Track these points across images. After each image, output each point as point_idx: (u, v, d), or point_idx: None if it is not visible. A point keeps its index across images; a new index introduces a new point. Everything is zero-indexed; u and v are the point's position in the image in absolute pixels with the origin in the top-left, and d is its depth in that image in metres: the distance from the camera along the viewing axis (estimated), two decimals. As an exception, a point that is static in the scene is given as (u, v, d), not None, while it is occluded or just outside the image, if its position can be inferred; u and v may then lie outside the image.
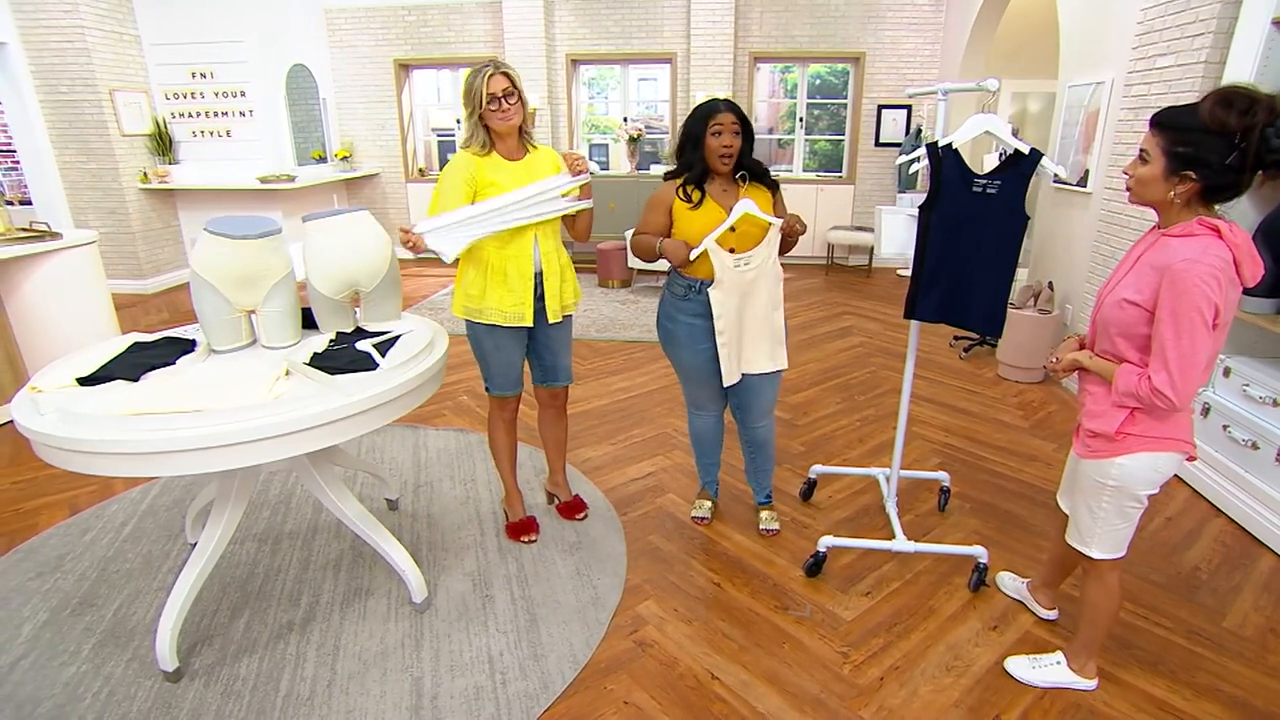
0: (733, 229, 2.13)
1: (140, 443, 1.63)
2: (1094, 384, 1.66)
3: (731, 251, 2.17)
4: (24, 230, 3.47)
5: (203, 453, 1.67)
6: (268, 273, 2.14)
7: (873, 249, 7.14)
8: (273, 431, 1.72)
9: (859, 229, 7.16)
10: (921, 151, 1.96)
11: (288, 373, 1.96)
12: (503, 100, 2.11)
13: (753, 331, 2.27)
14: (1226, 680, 1.91)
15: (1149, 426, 1.56)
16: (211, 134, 6.57)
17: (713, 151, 2.13)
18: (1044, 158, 1.79)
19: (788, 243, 2.24)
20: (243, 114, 6.49)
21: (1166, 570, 2.37)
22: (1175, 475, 2.98)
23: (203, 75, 6.37)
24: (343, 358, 2.02)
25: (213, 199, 6.56)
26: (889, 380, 4.12)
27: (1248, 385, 2.67)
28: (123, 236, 6.15)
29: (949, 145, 1.91)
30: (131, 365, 1.96)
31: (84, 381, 1.87)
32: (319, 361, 1.97)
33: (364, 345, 2.11)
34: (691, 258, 2.13)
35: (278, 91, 6.62)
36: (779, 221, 2.16)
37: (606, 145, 7.55)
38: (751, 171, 2.21)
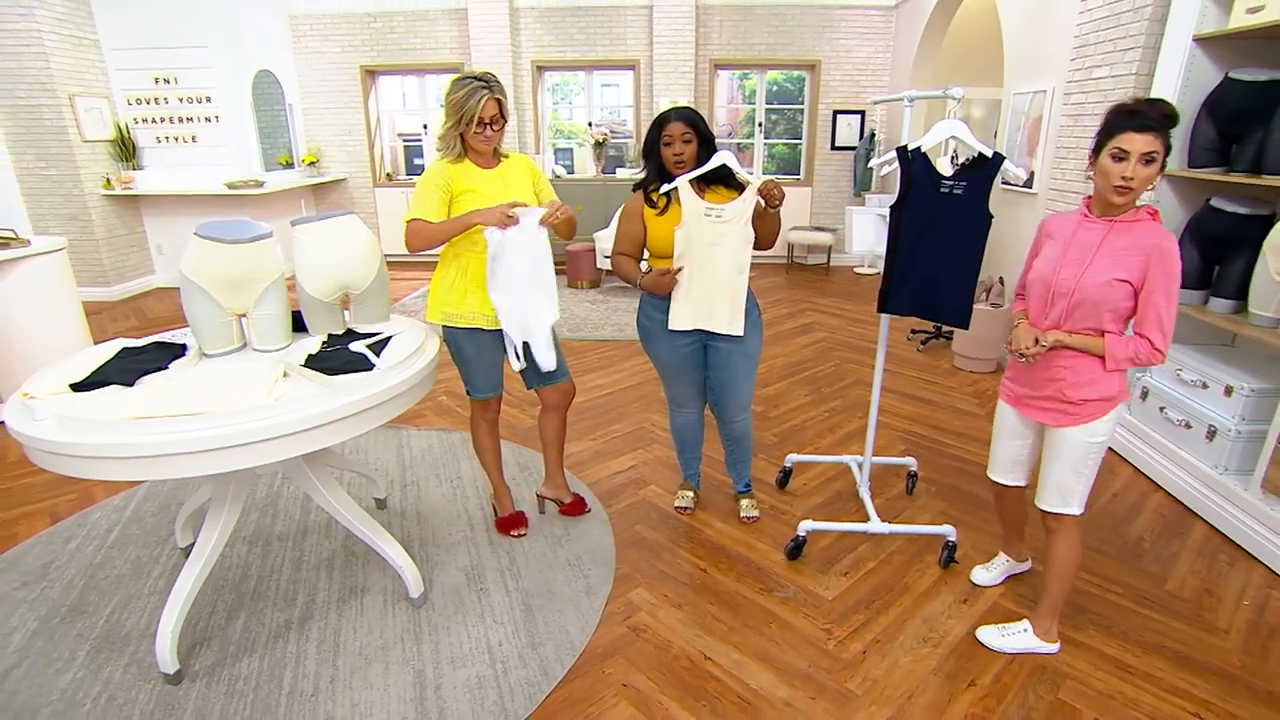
0: (706, 184, 2.22)
1: (143, 446, 1.64)
2: (1071, 359, 1.80)
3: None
4: (-13, 237, 3.38)
5: (206, 455, 1.69)
6: (259, 276, 2.16)
7: (830, 248, 7.39)
8: (275, 432, 1.75)
9: (818, 229, 7.39)
10: (892, 155, 2.11)
11: (285, 374, 1.99)
12: (489, 126, 2.13)
13: (712, 286, 2.26)
14: (1170, 638, 2.10)
15: (1121, 385, 1.81)
16: (176, 139, 6.46)
17: (667, 160, 2.23)
18: (1006, 161, 1.95)
19: (772, 219, 2.23)
20: (208, 119, 6.39)
21: (1114, 542, 2.57)
22: (1119, 455, 3.23)
23: (166, 80, 6.26)
24: (338, 359, 2.05)
25: (179, 205, 6.43)
26: (853, 373, 4.31)
27: (1180, 370, 2.91)
28: (86, 244, 6.00)
29: (918, 149, 2.06)
30: (124, 370, 1.96)
31: (77, 387, 1.86)
32: (315, 363, 2.01)
33: (357, 346, 2.15)
34: (663, 190, 2.21)
35: (243, 97, 6.54)
36: (757, 181, 2.14)
37: (570, 150, 7.62)
38: (715, 176, 2.24)
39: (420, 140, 7.87)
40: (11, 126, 5.76)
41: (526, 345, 2.29)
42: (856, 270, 7.44)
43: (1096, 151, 1.70)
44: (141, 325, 5.49)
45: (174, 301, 6.28)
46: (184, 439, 1.66)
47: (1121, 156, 1.63)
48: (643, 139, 2.36)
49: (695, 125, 2.20)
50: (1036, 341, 1.80)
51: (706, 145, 2.22)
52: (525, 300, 2.20)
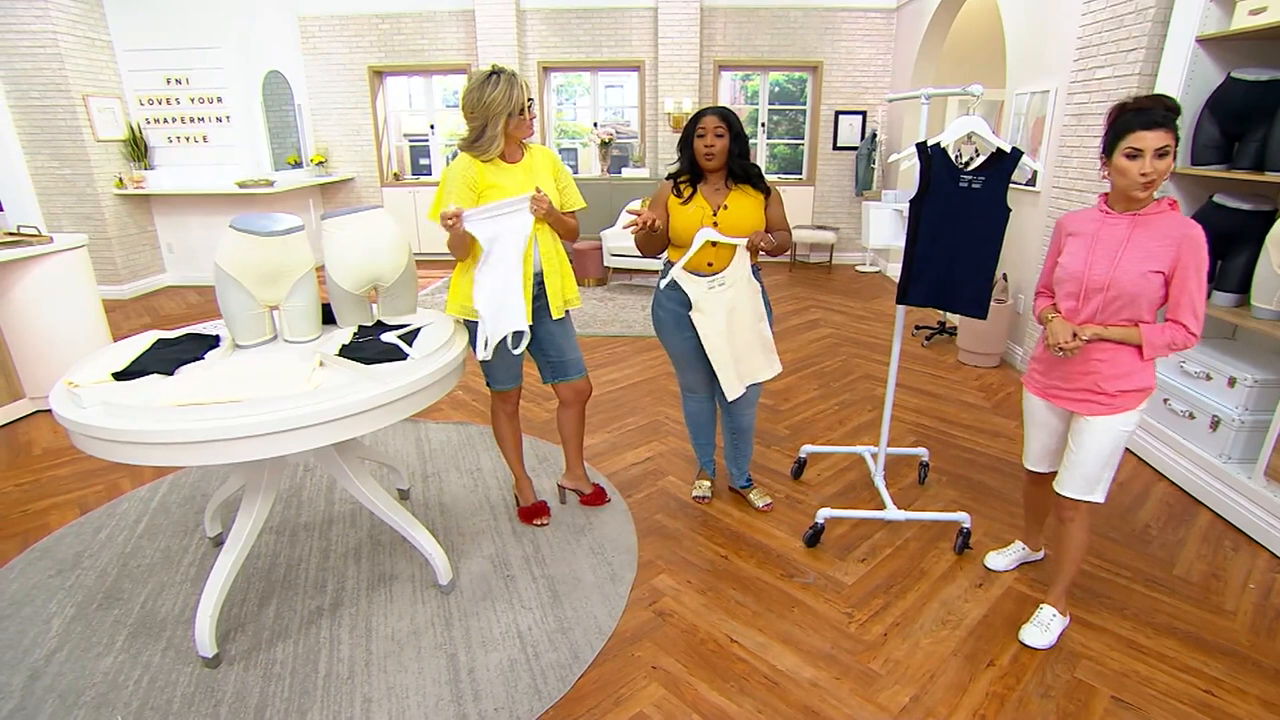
0: (713, 243, 2.30)
1: (188, 432, 1.69)
2: (1108, 351, 1.83)
3: (710, 266, 2.35)
4: (11, 235, 3.40)
5: (249, 440, 1.73)
6: (291, 269, 2.20)
7: (833, 246, 7.47)
8: (315, 419, 1.79)
9: (820, 228, 7.48)
10: (912, 150, 2.17)
11: (321, 363, 2.03)
12: (527, 110, 2.19)
13: (744, 345, 2.43)
14: (1180, 619, 2.16)
15: (1153, 375, 1.85)
16: (187, 139, 6.53)
17: (698, 152, 2.30)
18: (1024, 156, 2.01)
19: (777, 250, 2.38)
20: (219, 119, 6.46)
21: (1123, 529, 2.64)
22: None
23: (178, 81, 6.33)
24: (371, 349, 2.10)
25: (189, 204, 6.50)
26: (860, 368, 4.37)
27: (1184, 362, 2.98)
28: (99, 242, 6.06)
29: (937, 144, 2.12)
30: (163, 360, 2.00)
31: (119, 376, 1.90)
32: (349, 353, 2.05)
33: (389, 337, 2.19)
34: (661, 286, 2.40)
35: (253, 97, 6.61)
36: (743, 241, 2.30)
37: (575, 150, 7.68)
38: (744, 174, 2.34)
39: (426, 141, 7.92)
40: (26, 126, 5.83)
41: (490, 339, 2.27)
42: (858, 268, 7.52)
43: (1109, 152, 1.74)
44: (155, 323, 5.52)
45: (185, 300, 6.31)
46: (227, 425, 1.70)
47: (1136, 154, 1.67)
48: (645, 138, 2.45)
49: (729, 121, 2.27)
50: (1074, 336, 1.81)
51: (739, 142, 2.29)
52: (503, 296, 2.22)
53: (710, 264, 2.36)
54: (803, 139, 7.85)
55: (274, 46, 6.94)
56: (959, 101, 8.07)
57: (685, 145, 2.33)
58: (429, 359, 2.07)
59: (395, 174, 7.96)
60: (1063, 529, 2.03)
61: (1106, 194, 1.84)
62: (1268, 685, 1.91)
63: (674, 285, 2.40)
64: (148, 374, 1.92)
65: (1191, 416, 2.90)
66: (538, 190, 2.20)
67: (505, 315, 2.22)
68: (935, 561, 2.43)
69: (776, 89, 8.18)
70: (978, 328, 4.33)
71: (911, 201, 2.19)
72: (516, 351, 2.29)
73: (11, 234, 3.38)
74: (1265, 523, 2.52)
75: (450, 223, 2.08)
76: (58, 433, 3.44)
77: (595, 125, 7.56)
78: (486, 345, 2.23)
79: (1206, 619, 2.16)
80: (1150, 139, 1.65)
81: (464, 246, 2.20)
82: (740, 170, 2.32)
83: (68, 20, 5.68)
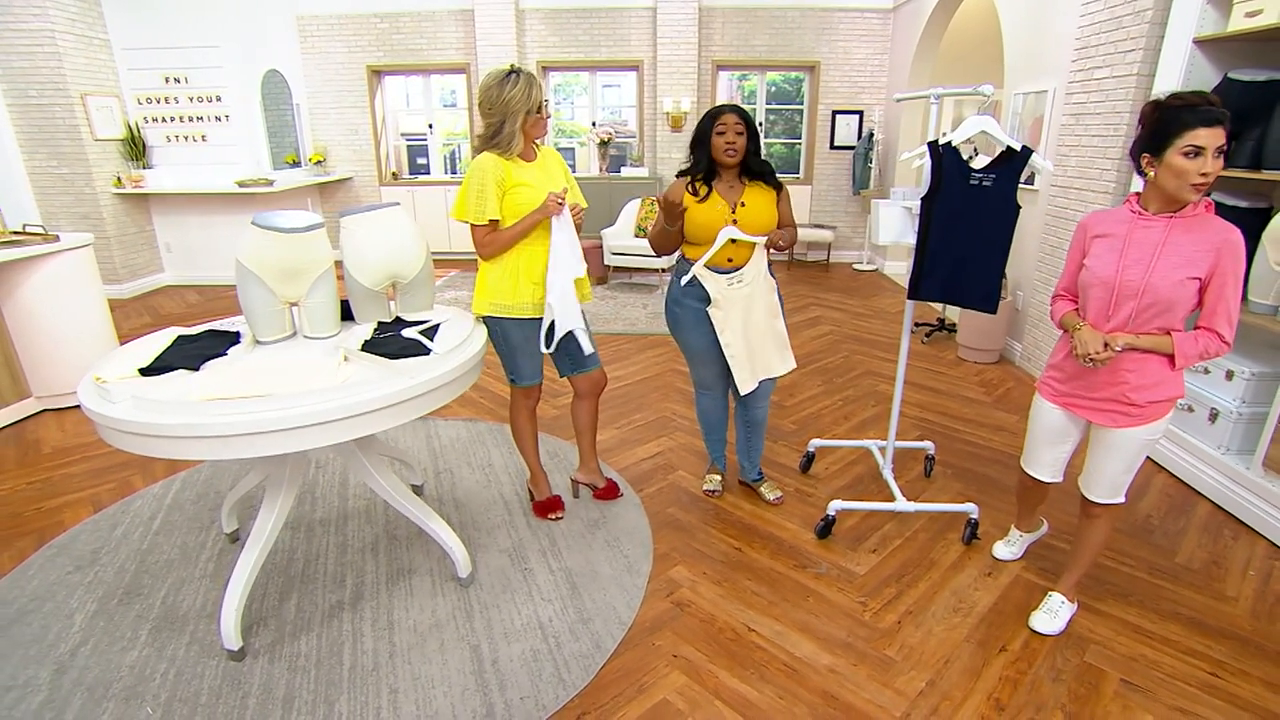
0: (733, 240, 2.35)
1: (218, 426, 1.70)
2: (1137, 361, 1.78)
3: (730, 261, 2.40)
4: (16, 233, 3.39)
5: (278, 434, 1.75)
6: (312, 265, 2.21)
7: (830, 245, 7.54)
8: (343, 413, 1.80)
9: (817, 226, 7.55)
10: (923, 149, 2.22)
11: (345, 358, 2.06)
12: (543, 109, 2.24)
13: (759, 340, 2.49)
14: (1183, 605, 2.22)
15: (1183, 383, 1.82)
16: (186, 138, 6.51)
17: (718, 149, 2.33)
18: (1034, 154, 2.06)
19: (787, 246, 2.46)
20: (218, 119, 6.45)
21: (1125, 519, 2.70)
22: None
23: (176, 80, 6.32)
24: (394, 344, 2.12)
25: (187, 204, 6.48)
26: (862, 364, 4.43)
27: (1183, 357, 3.05)
28: (98, 242, 5.97)
29: (949, 143, 2.16)
30: (187, 356, 2.02)
31: (146, 372, 1.92)
32: (371, 348, 2.07)
33: (410, 333, 2.22)
34: (682, 283, 2.45)
35: (252, 97, 6.60)
36: (763, 239, 2.36)
37: (573, 149, 7.71)
38: (756, 172, 2.39)
39: (424, 140, 7.92)
40: (24, 125, 5.80)
41: (557, 332, 2.38)
42: (855, 267, 7.60)
43: (1157, 151, 1.65)
44: (155, 322, 5.50)
45: (184, 299, 6.29)
46: (256, 419, 1.72)
47: (1196, 153, 1.59)
48: (643, 138, 2.52)
49: (748, 121, 2.32)
50: (1106, 346, 1.74)
51: (755, 141, 2.33)
52: (564, 284, 2.33)
53: (730, 259, 2.40)
54: (800, 139, 7.90)
55: (273, 46, 6.93)
56: (955, 101, 8.17)
57: (701, 143, 2.36)
58: (451, 354, 2.10)
59: (393, 173, 7.96)
60: (1088, 523, 2.06)
61: (1137, 194, 1.78)
62: (1270, 667, 1.97)
63: (694, 282, 2.43)
64: (174, 369, 1.94)
65: (1190, 409, 2.96)
66: (577, 207, 2.38)
67: (569, 313, 2.35)
68: (944, 552, 2.48)
69: (774, 89, 8.23)
70: (977, 324, 4.39)
71: (923, 199, 2.23)
72: (588, 351, 2.46)
73: (17, 233, 3.37)
74: (1263, 512, 2.58)
75: (561, 202, 2.24)
76: (66, 431, 3.43)
77: (593, 125, 7.59)
78: (552, 340, 2.35)
79: (1209, 605, 2.22)
80: (1211, 136, 1.58)
81: (518, 238, 2.28)
82: (756, 167, 2.37)
83: (66, 18, 5.65)
